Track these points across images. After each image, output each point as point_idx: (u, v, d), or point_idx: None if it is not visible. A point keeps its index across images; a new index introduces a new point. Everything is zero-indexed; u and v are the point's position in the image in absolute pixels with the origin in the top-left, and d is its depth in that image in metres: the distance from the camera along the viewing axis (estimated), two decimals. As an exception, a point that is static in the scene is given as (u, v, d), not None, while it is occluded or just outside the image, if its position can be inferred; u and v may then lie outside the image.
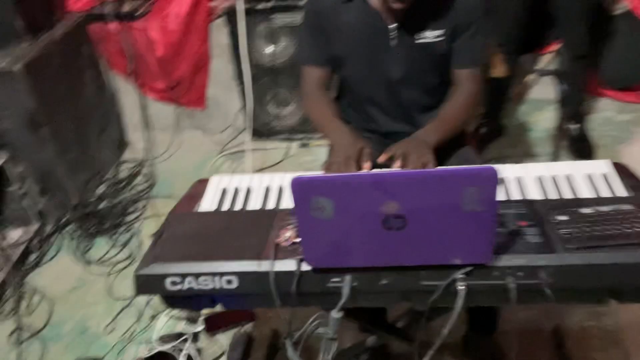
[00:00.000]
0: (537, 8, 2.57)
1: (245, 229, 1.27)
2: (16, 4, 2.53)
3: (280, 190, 1.45)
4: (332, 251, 1.08)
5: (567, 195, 1.32)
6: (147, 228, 2.77)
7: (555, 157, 2.04)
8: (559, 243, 1.13)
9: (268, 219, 1.29)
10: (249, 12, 2.74)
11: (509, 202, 1.27)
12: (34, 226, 2.76)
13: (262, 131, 3.11)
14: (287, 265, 1.16)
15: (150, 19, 3.02)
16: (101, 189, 3.05)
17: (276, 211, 1.32)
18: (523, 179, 1.39)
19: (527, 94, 3.09)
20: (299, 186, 0.98)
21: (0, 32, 2.57)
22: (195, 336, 2.09)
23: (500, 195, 1.33)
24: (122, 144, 3.34)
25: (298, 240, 1.18)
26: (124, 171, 3.19)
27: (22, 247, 2.66)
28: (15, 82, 2.51)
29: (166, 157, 3.22)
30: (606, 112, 3.00)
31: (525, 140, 2.94)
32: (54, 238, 2.79)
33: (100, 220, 2.84)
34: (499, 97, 2.79)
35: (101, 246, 2.72)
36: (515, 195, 1.34)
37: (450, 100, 1.69)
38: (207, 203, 1.42)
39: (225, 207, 1.41)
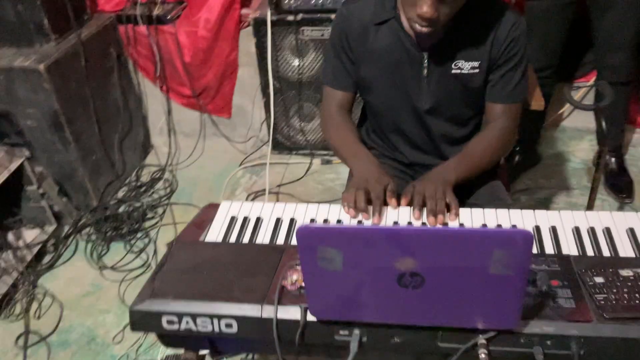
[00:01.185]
0: (577, 33, 2.43)
1: (251, 266, 1.18)
2: (43, 2, 2.48)
3: (292, 223, 1.35)
4: (340, 304, 0.98)
5: (606, 252, 1.20)
6: (164, 235, 2.72)
7: (591, 193, 1.92)
8: (594, 310, 1.02)
9: (276, 255, 1.20)
10: (277, 24, 2.66)
11: (541, 256, 1.15)
12: (51, 227, 2.73)
13: (284, 145, 3.03)
14: (292, 312, 1.07)
15: (180, 23, 2.97)
16: (121, 193, 3.01)
17: (285, 247, 1.23)
18: (558, 229, 1.27)
19: (563, 122, 2.96)
20: (305, 235, 0.89)
21: (27, 31, 2.54)
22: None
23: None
24: (145, 148, 3.30)
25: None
26: (145, 175, 3.15)
27: (36, 248, 2.63)
28: (40, 81, 2.47)
29: (188, 164, 3.18)
30: (649, 146, 2.85)
31: (560, 172, 2.80)
32: (70, 240, 2.76)
33: (118, 224, 2.80)
34: (535, 125, 2.66)
35: (117, 251, 2.67)
36: (548, 248, 1.22)
37: (480, 135, 1.57)
38: (214, 232, 1.34)
39: (233, 237, 1.32)
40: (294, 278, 1.11)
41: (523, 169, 2.70)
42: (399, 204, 1.39)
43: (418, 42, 1.48)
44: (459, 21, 1.41)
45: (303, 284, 1.10)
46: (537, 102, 1.72)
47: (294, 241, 1.30)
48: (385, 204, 1.39)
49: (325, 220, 1.35)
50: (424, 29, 1.34)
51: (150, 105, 3.26)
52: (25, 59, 2.49)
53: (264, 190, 2.75)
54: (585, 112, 2.71)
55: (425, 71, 1.51)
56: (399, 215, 1.36)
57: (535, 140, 2.76)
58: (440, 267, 0.90)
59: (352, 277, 0.94)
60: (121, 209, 2.89)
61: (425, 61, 1.50)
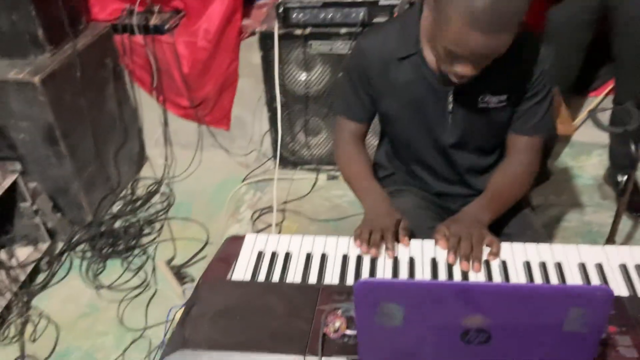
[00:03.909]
0: (596, 49, 2.41)
1: (286, 310, 1.10)
2: (38, 13, 2.39)
3: (323, 259, 1.28)
4: (396, 359, 0.91)
5: (659, 292, 1.15)
6: (162, 252, 2.64)
7: (615, 221, 1.88)
8: (659, 360, 0.96)
9: (311, 296, 1.13)
10: (284, 37, 2.59)
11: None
12: (44, 244, 2.63)
13: (289, 160, 2.96)
14: (338, 364, 0.99)
15: (178, 33, 2.89)
16: (116, 207, 2.91)
17: (320, 287, 1.16)
18: (604, 267, 1.22)
19: (572, 136, 2.92)
20: (366, 291, 0.82)
21: (20, 42, 2.45)
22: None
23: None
24: (140, 160, 3.20)
25: (349, 332, 1.02)
26: (141, 189, 3.05)
27: (30, 267, 2.53)
28: (34, 94, 2.38)
29: (185, 177, 3.08)
30: (658, 161, 2.82)
31: (571, 188, 2.77)
32: (65, 258, 2.66)
33: (114, 240, 2.71)
34: (547, 141, 2.62)
35: (114, 269, 2.58)
36: (597, 288, 1.17)
37: (506, 170, 1.51)
38: (242, 269, 1.26)
39: (262, 275, 1.25)
40: (337, 325, 1.04)
41: (535, 184, 2.66)
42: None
43: (442, 79, 1.41)
44: None
45: (347, 332, 1.03)
46: (565, 127, 1.67)
47: (327, 279, 1.23)
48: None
49: (359, 257, 1.28)
50: (457, 82, 1.30)
51: (145, 117, 3.17)
52: (19, 70, 2.40)
53: (270, 207, 2.67)
54: (593, 126, 2.68)
55: (450, 107, 1.45)
56: (410, 251, 1.32)
57: (547, 156, 2.72)
58: (510, 323, 0.83)
59: (412, 333, 0.87)
60: (117, 225, 2.80)
61: (450, 97, 1.43)
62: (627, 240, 2.45)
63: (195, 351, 1.02)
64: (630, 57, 2.30)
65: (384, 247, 1.32)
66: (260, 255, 1.30)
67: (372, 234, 1.32)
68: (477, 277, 1.22)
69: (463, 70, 1.24)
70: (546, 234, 2.07)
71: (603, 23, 2.28)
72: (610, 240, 1.96)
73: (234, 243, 1.34)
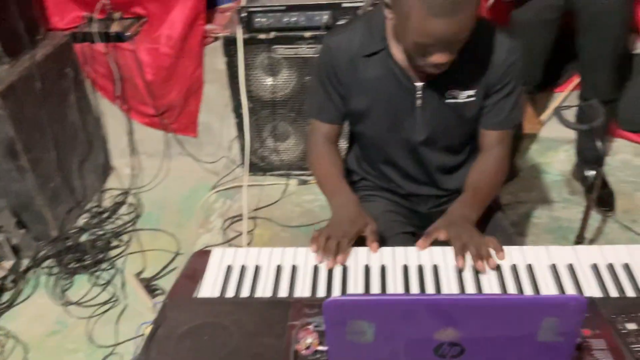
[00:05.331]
0: (560, 47, 2.43)
1: (256, 327, 1.07)
2: (-6, 23, 2.32)
3: (294, 271, 1.25)
4: (368, 375, 0.89)
5: (629, 292, 1.15)
6: (131, 265, 2.58)
7: (584, 219, 1.90)
8: (633, 363, 0.96)
9: (282, 311, 1.10)
10: (248, 42, 2.55)
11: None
12: (9, 262, 2.55)
13: (259, 166, 2.91)
14: (310, 383, 0.97)
15: (140, 40, 2.83)
16: (82, 220, 2.84)
17: (290, 301, 1.13)
18: (575, 268, 1.21)
19: (539, 132, 2.95)
20: (334, 310, 0.79)
21: (-24, 55, 2.37)
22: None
23: (552, 290, 1.17)
24: (106, 171, 3.13)
25: (322, 348, 0.99)
26: (108, 200, 2.98)
27: (-6, 287, 2.46)
28: (-6, 108, 2.31)
29: (153, 186, 3.02)
30: (623, 155, 2.86)
31: (540, 184, 2.78)
32: (30, 275, 2.58)
33: (81, 255, 2.64)
34: (513, 138, 2.64)
35: (81, 285, 2.51)
36: (569, 290, 1.16)
37: (481, 166, 1.52)
38: (209, 285, 1.23)
39: (231, 291, 1.21)
40: (308, 341, 1.01)
41: (503, 182, 2.68)
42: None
43: (412, 73, 1.41)
44: None
45: (319, 348, 1.00)
46: (532, 125, 1.68)
47: (298, 292, 1.20)
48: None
49: (331, 269, 1.26)
50: (436, 72, 1.32)
51: (110, 126, 3.11)
52: (-25, 84, 2.32)
53: (241, 215, 2.63)
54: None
55: (419, 102, 1.44)
56: (382, 259, 1.30)
57: (514, 153, 2.74)
58: (484, 335, 0.82)
59: (385, 348, 0.85)
60: (83, 238, 2.73)
61: (419, 92, 1.43)
62: (597, 235, 2.48)
63: (162, 376, 0.98)
64: (593, 54, 2.32)
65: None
66: (228, 270, 1.27)
67: (329, 240, 1.30)
68: (449, 285, 1.20)
69: (438, 58, 1.26)
70: (516, 235, 2.09)
71: (567, 20, 2.30)
72: (580, 236, 1.98)
73: (201, 258, 1.31)
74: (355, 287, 1.22)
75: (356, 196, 1.49)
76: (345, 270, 1.26)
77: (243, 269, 1.27)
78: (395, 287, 1.21)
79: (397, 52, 1.39)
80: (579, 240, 1.98)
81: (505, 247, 1.29)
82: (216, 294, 1.21)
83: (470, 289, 1.19)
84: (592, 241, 2.28)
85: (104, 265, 2.59)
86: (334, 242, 1.30)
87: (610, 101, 2.44)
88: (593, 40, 2.27)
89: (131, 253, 2.65)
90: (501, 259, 1.26)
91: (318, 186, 1.60)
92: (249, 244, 2.59)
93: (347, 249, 1.31)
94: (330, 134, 1.57)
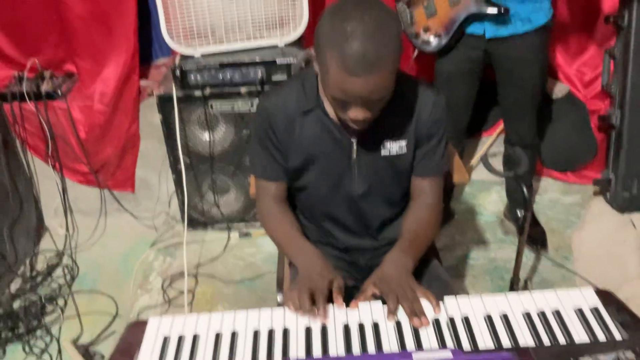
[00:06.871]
0: (487, 91, 2.53)
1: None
2: None
3: (234, 337, 1.23)
4: None
5: (561, 339, 1.19)
6: (67, 330, 2.47)
7: (517, 259, 1.96)
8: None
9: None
10: (183, 100, 2.54)
11: (499, 352, 1.11)
12: None
13: (199, 221, 2.88)
14: None
15: (72, 98, 2.79)
16: (14, 286, 2.71)
17: (231, 371, 1.11)
18: (509, 317, 1.25)
19: (470, 175, 3.05)
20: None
21: None
22: None
23: (487, 341, 1.19)
24: (38, 232, 3.02)
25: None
26: (41, 263, 2.87)
27: None
28: None
29: (89, 246, 2.94)
30: (552, 193, 2.98)
31: (474, 226, 2.86)
32: (-43, 349, 2.43)
33: (14, 323, 2.51)
34: (446, 182, 2.71)
35: (15, 355, 2.39)
36: (505, 340, 1.19)
37: (415, 214, 1.55)
38: (145, 359, 1.19)
39: (169, 364, 1.18)
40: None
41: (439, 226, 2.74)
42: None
43: (345, 129, 1.45)
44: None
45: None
46: (461, 175, 1.74)
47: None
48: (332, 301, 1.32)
49: (271, 332, 1.25)
50: (358, 128, 1.35)
51: (42, 186, 3.01)
52: None
53: (182, 272, 2.57)
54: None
55: (354, 156, 1.48)
56: (347, 316, 1.29)
57: (448, 197, 2.81)
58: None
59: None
60: (16, 305, 2.60)
61: (354, 146, 1.47)
62: (532, 273, 2.55)
63: None
64: (514, 104, 2.43)
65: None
66: (165, 342, 1.23)
67: (301, 296, 1.29)
68: (389, 342, 1.21)
69: (356, 114, 1.30)
70: (455, 278, 2.12)
71: (489, 70, 2.40)
72: (515, 275, 2.03)
73: (136, 330, 1.27)
74: (297, 349, 1.21)
75: (319, 251, 1.49)
76: (285, 335, 1.25)
77: (180, 340, 1.24)
78: (336, 347, 1.20)
79: (330, 108, 1.43)
80: (514, 280, 2.04)
81: (445, 300, 1.31)
82: (153, 368, 1.17)
83: (410, 344, 1.20)
84: (526, 281, 2.34)
85: (38, 333, 2.48)
86: (305, 296, 1.28)
87: (533, 145, 2.55)
88: (512, 91, 2.38)
89: (67, 318, 2.54)
90: (437, 313, 1.28)
91: (278, 248, 1.62)
92: (190, 303, 2.54)
93: (324, 304, 1.30)
94: (279, 192, 1.59)
